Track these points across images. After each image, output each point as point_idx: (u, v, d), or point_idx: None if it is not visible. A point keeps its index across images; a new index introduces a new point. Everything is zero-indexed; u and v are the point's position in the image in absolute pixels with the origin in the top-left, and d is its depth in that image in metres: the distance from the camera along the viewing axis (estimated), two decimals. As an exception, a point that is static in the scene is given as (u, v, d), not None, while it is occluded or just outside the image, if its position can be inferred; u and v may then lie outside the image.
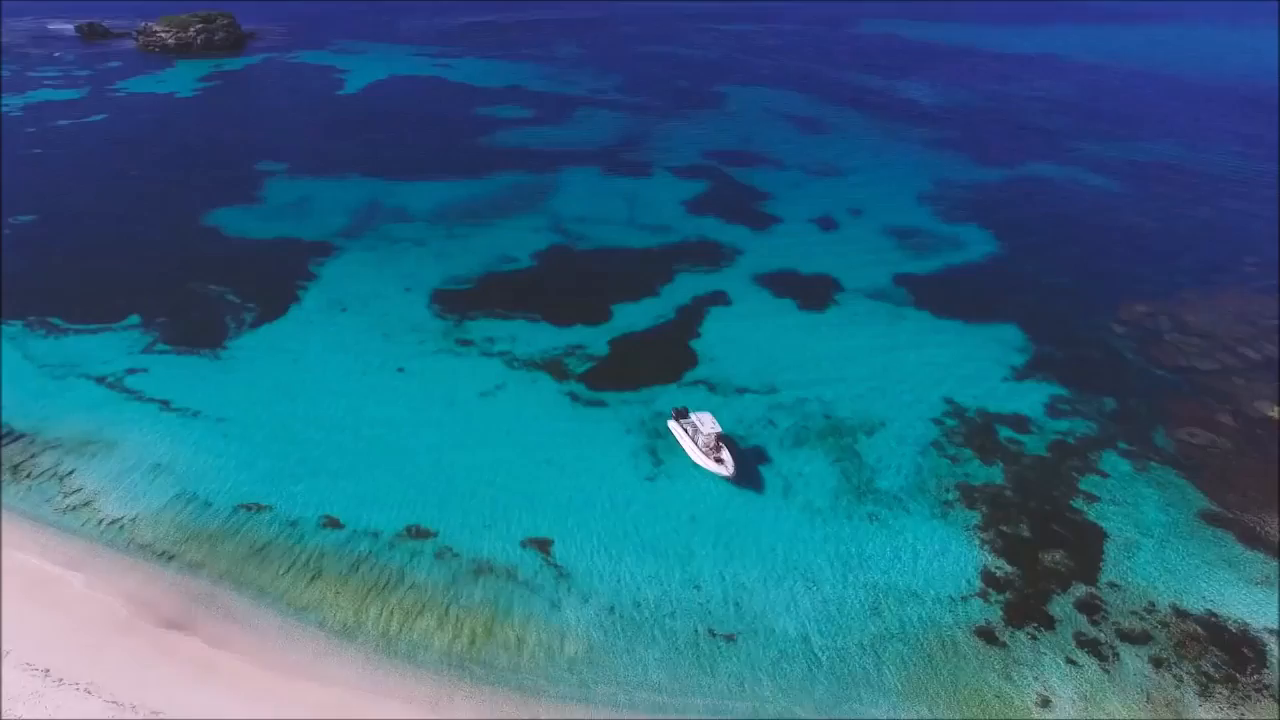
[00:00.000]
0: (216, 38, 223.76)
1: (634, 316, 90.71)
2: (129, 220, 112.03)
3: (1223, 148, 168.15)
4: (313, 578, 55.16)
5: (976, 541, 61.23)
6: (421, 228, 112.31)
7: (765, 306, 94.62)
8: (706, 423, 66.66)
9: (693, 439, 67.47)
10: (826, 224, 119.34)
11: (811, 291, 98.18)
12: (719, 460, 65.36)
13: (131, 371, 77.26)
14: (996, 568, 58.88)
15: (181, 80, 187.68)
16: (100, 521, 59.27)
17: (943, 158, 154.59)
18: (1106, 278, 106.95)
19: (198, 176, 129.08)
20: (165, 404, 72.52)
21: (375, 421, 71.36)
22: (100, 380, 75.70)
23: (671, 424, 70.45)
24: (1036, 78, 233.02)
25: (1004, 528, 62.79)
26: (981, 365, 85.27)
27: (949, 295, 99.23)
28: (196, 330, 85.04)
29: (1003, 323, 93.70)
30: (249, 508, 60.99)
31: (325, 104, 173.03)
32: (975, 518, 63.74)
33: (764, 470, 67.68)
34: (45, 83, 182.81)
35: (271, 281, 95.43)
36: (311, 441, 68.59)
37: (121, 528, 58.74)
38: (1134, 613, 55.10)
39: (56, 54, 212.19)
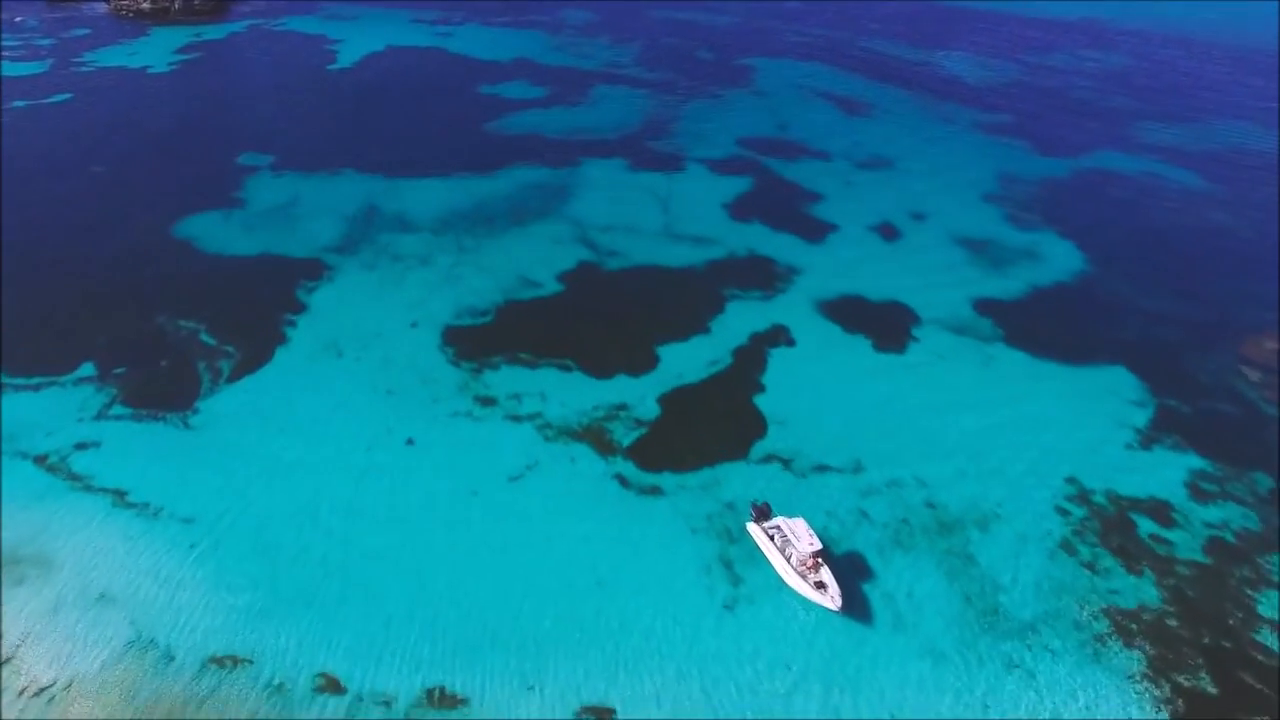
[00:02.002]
0: (196, 2, 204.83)
1: (683, 361, 76.51)
2: (88, 232, 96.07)
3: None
4: (305, 781, 41.98)
5: (1150, 701, 48.30)
6: (427, 239, 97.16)
7: (835, 348, 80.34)
8: (801, 535, 52.90)
9: (782, 552, 53.85)
10: (888, 232, 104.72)
11: (885, 325, 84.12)
12: (819, 585, 51.90)
13: (81, 446, 62.83)
14: (1184, 745, 46.08)
15: (156, 52, 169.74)
16: (22, 691, 45.39)
17: (999, 145, 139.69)
18: (1215, 302, 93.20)
19: (171, 174, 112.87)
20: (120, 496, 58.37)
21: (381, 523, 57.27)
22: (40, 461, 61.30)
23: (752, 527, 56.61)
24: (1082, 48, 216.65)
25: (1179, 678, 49.83)
26: (1098, 427, 71.90)
27: (1041, 327, 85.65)
28: (163, 384, 70.51)
29: (1109, 364, 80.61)
30: (222, 662, 47.33)
31: (316, 83, 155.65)
32: (1138, 661, 50.79)
33: (866, 589, 54.38)
34: (3, 54, 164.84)
35: (253, 314, 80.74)
36: (302, 554, 54.64)
37: (51, 700, 45.06)
38: (1388, 831, 42.31)
39: (18, 19, 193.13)
